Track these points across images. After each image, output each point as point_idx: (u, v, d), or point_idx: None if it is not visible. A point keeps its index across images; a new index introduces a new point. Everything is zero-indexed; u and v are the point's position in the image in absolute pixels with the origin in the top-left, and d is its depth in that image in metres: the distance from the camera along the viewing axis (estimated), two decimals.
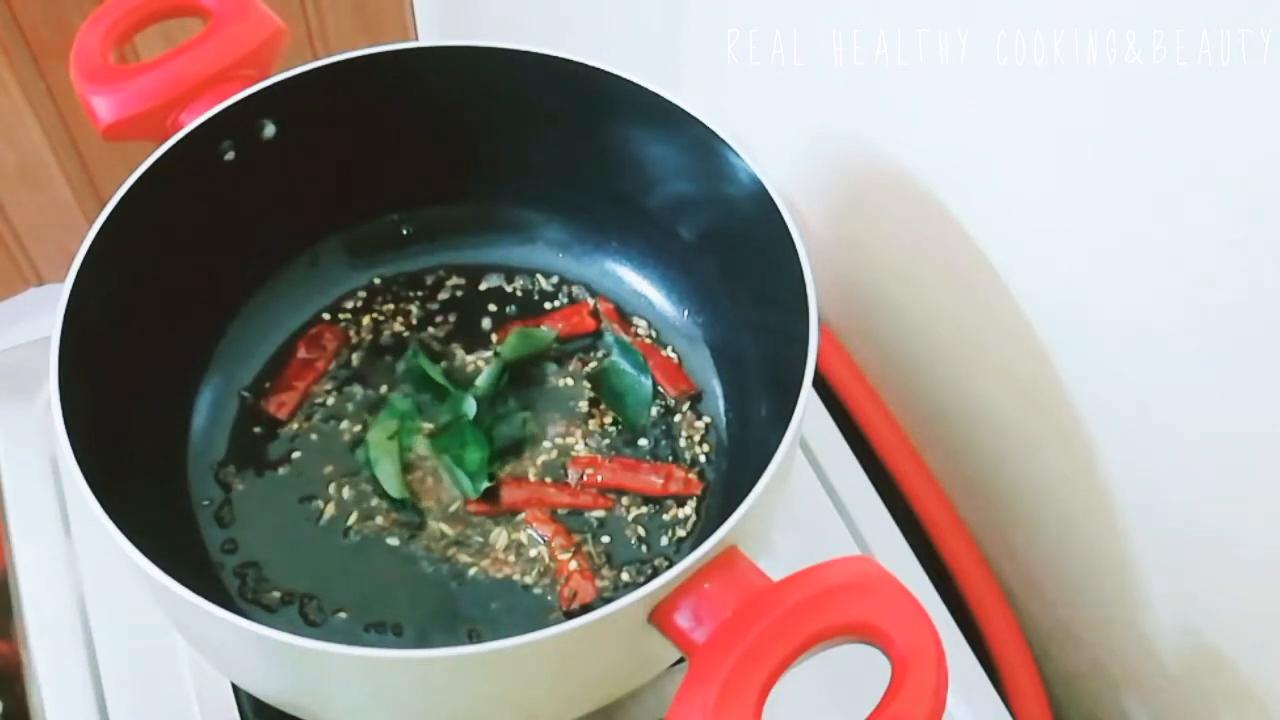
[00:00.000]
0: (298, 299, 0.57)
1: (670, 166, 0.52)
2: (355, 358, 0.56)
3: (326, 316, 0.57)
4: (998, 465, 0.55)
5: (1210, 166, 0.37)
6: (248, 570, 0.49)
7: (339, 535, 0.51)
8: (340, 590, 0.49)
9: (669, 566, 0.38)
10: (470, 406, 0.53)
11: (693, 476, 0.52)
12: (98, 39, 0.52)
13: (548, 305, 0.58)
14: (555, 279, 0.58)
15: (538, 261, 0.59)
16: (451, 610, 0.49)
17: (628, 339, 0.56)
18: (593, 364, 0.55)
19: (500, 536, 0.51)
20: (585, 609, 0.48)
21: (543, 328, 0.56)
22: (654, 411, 0.54)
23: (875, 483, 0.57)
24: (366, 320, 0.57)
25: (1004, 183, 0.47)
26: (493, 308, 0.58)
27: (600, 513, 0.51)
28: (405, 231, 0.59)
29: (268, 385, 0.55)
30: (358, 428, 0.53)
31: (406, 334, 0.56)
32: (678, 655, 0.39)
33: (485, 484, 0.51)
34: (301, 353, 0.56)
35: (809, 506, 0.56)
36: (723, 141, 0.48)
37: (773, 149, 0.60)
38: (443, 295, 0.58)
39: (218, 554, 0.50)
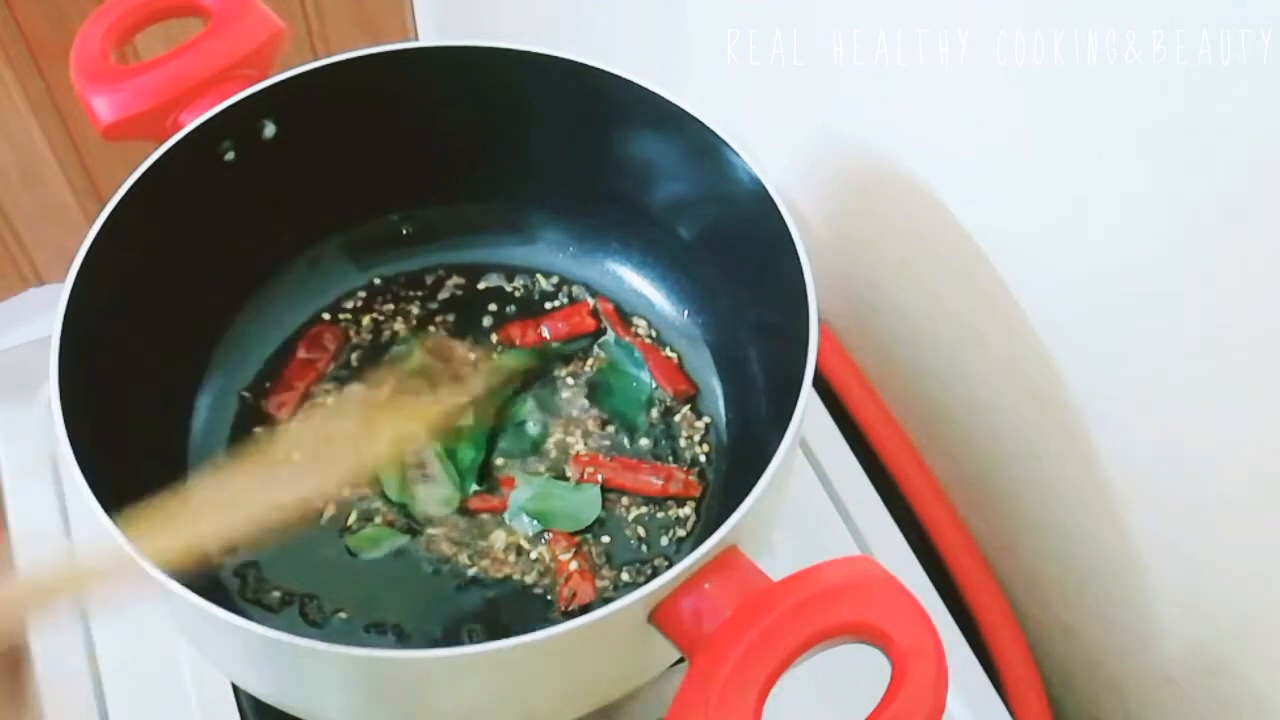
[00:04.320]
0: (298, 299, 0.57)
1: (670, 166, 0.52)
2: (355, 358, 0.56)
3: (326, 316, 0.57)
4: (998, 465, 0.55)
5: (1211, 166, 0.37)
6: (248, 570, 0.49)
7: (339, 535, 0.50)
8: (340, 590, 0.49)
9: (669, 566, 0.38)
10: (468, 417, 0.53)
11: (693, 478, 0.52)
12: (98, 39, 0.52)
13: (548, 305, 0.58)
14: (555, 279, 0.58)
15: (538, 261, 0.59)
16: (451, 610, 0.49)
17: (628, 339, 0.56)
18: (591, 363, 0.55)
19: (500, 537, 0.51)
20: (585, 609, 0.48)
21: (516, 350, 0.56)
22: (654, 412, 0.54)
23: (875, 483, 0.57)
24: (366, 320, 0.57)
25: (1004, 182, 0.47)
26: (493, 307, 0.58)
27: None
28: (405, 231, 0.59)
29: (268, 385, 0.55)
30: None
31: (406, 334, 0.56)
32: (678, 655, 0.39)
33: (474, 486, 0.51)
34: (301, 353, 0.56)
35: (809, 506, 0.56)
36: (723, 141, 0.48)
37: (773, 149, 0.60)
38: (443, 295, 0.58)
39: (218, 554, 0.50)
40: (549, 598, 0.49)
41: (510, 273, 0.59)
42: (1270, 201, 0.36)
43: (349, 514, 0.51)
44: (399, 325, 0.57)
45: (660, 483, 0.52)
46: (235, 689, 0.50)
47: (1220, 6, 0.35)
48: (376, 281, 0.58)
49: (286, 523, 0.41)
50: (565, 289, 0.58)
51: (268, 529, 0.41)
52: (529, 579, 0.50)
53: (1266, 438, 0.40)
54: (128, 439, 0.46)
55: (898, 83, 0.50)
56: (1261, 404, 0.39)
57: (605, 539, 0.51)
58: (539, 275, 0.58)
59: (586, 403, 0.55)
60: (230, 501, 0.40)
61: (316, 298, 0.57)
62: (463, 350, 0.55)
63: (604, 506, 0.51)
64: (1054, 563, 0.54)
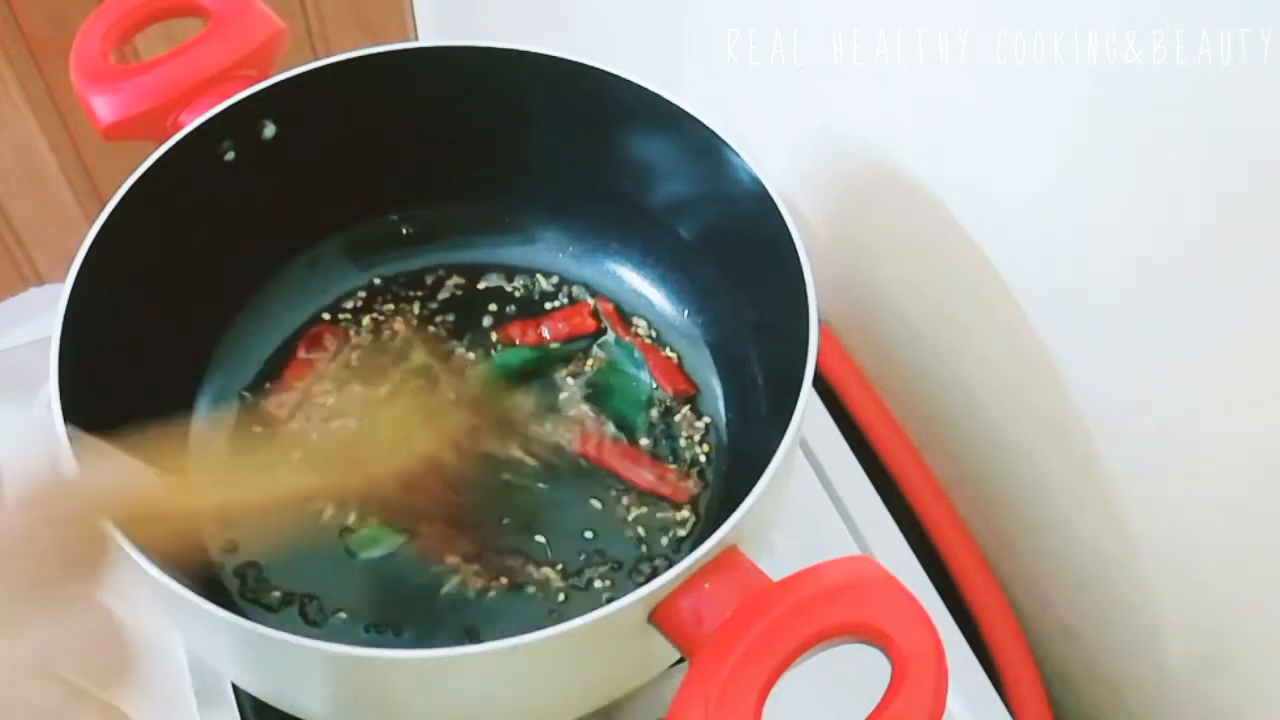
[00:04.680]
0: (298, 299, 0.57)
1: (670, 166, 0.52)
2: (355, 358, 0.56)
3: (326, 316, 0.57)
4: (998, 464, 0.55)
5: (1211, 166, 0.37)
6: (248, 570, 0.49)
7: (339, 535, 0.50)
8: (340, 590, 0.49)
9: (669, 566, 0.38)
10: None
11: (686, 483, 0.52)
12: (98, 39, 0.52)
13: (548, 305, 0.58)
14: (555, 279, 0.58)
15: (538, 261, 0.59)
16: (451, 610, 0.49)
17: (628, 339, 0.56)
18: (591, 363, 0.55)
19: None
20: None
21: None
22: (654, 412, 0.54)
23: (875, 483, 0.57)
24: (366, 320, 0.57)
25: (1004, 182, 0.47)
26: (493, 307, 0.57)
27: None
28: (405, 231, 0.59)
29: (268, 385, 0.55)
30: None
31: (407, 334, 0.56)
32: (677, 655, 0.39)
33: None
34: (301, 353, 0.56)
35: (809, 506, 0.56)
36: (723, 141, 0.48)
37: (773, 149, 0.60)
38: (443, 295, 0.58)
39: (218, 554, 0.50)
40: (548, 597, 0.49)
41: (510, 273, 0.58)
42: (1271, 202, 0.36)
43: (349, 513, 0.51)
44: (399, 325, 0.57)
45: (650, 479, 0.52)
46: (235, 689, 0.50)
47: (1220, 6, 0.35)
48: (376, 281, 0.58)
49: (283, 520, 0.41)
50: (565, 289, 0.58)
51: (263, 525, 0.41)
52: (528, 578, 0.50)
53: (1266, 438, 0.40)
54: (127, 439, 0.46)
55: (898, 83, 0.50)
56: (1261, 404, 0.39)
57: (605, 538, 0.51)
58: (539, 275, 0.58)
59: (586, 403, 0.54)
60: (227, 490, 0.40)
61: (316, 298, 0.57)
62: (461, 352, 0.56)
63: (604, 505, 0.51)
64: (1053, 562, 0.54)
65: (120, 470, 0.35)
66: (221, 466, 0.41)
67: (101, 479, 0.33)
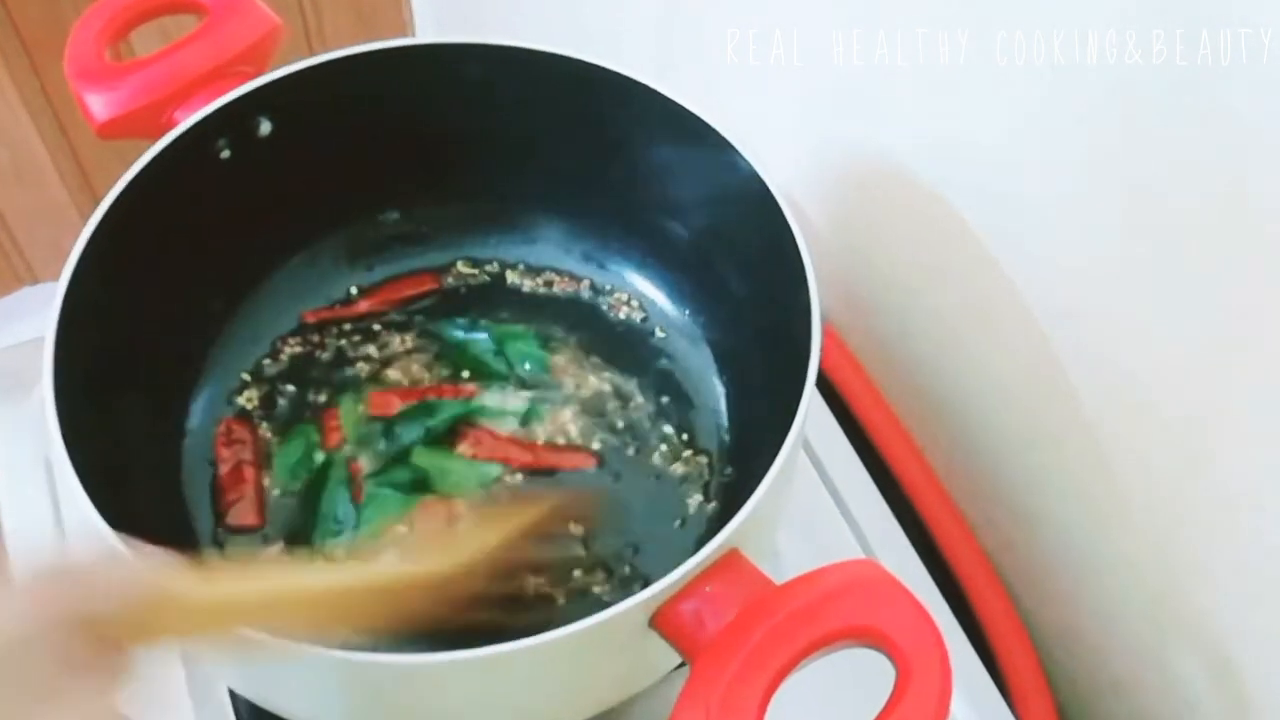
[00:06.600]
0: (294, 298, 0.56)
1: (671, 165, 0.52)
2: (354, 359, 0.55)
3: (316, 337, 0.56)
4: (1000, 464, 0.55)
5: (1212, 166, 0.37)
6: None
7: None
8: None
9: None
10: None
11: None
12: (92, 36, 0.51)
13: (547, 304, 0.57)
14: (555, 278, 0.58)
15: (538, 261, 0.58)
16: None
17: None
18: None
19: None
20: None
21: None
22: (654, 410, 0.54)
23: (879, 484, 0.57)
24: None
25: (1004, 182, 0.47)
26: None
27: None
28: (404, 231, 0.58)
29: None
30: None
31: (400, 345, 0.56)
32: (679, 659, 0.39)
33: None
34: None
35: (812, 509, 0.56)
36: (724, 140, 0.47)
37: (774, 148, 0.59)
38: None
39: (215, 555, 0.49)
40: (549, 601, 0.49)
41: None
42: (1272, 201, 0.36)
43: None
44: (395, 338, 0.56)
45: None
46: (231, 694, 0.50)
47: (1220, 6, 0.35)
48: (353, 290, 0.57)
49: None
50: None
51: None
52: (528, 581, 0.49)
53: (1269, 437, 0.39)
54: (122, 439, 0.46)
55: (898, 83, 0.50)
56: (1264, 401, 0.39)
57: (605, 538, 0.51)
58: (540, 275, 0.58)
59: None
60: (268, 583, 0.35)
61: (313, 297, 0.57)
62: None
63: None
64: (1058, 564, 0.54)
65: (145, 561, 0.30)
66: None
67: (122, 569, 0.28)
